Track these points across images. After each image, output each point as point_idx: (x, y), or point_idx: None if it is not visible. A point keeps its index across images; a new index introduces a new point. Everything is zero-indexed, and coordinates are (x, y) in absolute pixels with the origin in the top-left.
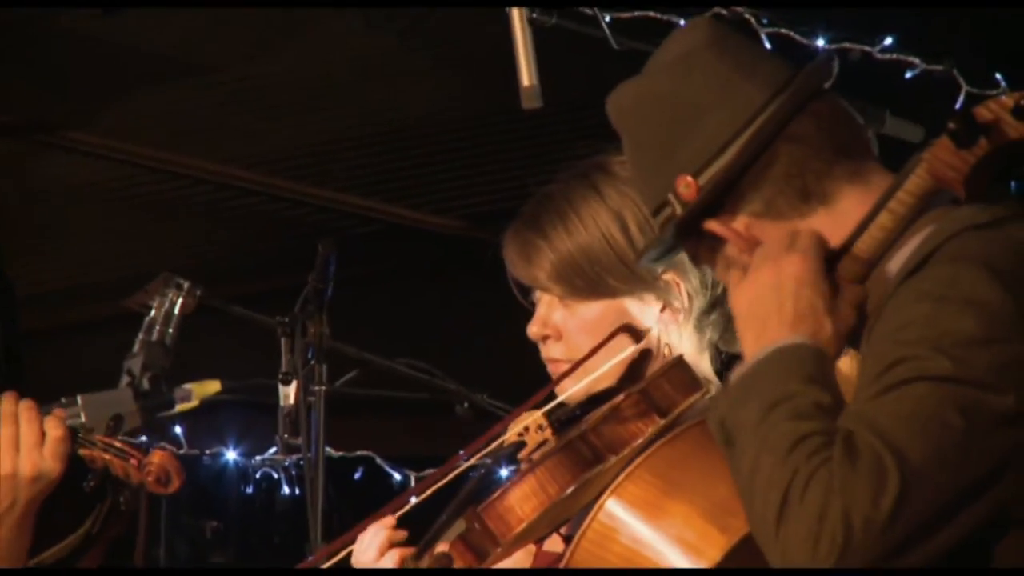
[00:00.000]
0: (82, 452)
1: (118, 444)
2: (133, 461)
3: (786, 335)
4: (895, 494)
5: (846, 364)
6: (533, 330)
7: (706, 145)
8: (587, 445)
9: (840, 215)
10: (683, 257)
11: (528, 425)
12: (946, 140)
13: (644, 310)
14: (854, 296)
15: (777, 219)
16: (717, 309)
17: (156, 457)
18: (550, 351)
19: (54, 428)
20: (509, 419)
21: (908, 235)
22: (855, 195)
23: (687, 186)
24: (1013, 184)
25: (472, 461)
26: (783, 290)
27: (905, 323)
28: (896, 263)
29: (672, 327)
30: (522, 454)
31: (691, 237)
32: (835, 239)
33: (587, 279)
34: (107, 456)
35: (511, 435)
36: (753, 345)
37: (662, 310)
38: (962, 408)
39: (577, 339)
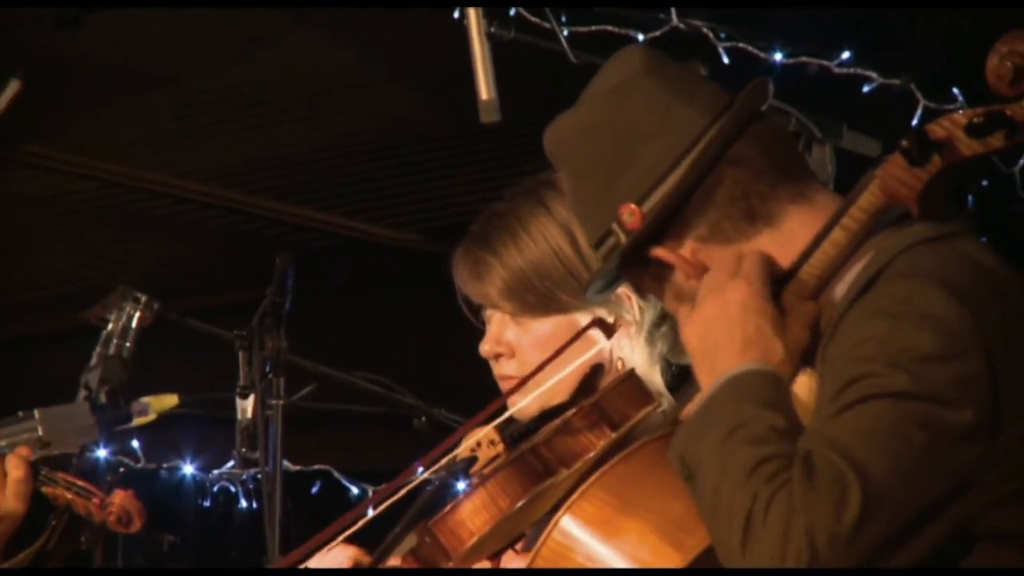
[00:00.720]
0: (45, 490)
1: (80, 483)
2: (95, 500)
3: (737, 363)
4: (858, 509)
5: (803, 384)
6: (485, 348)
7: (648, 172)
8: (538, 458)
9: (786, 235)
10: None
11: (480, 440)
12: (899, 157)
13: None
14: (806, 314)
15: (724, 242)
16: (667, 322)
17: (118, 497)
18: (503, 368)
19: (16, 468)
20: (461, 432)
21: (860, 253)
22: (801, 215)
23: (631, 214)
24: (971, 198)
25: (425, 475)
26: (730, 319)
27: (862, 340)
28: (848, 280)
29: (624, 340)
30: (474, 468)
31: (635, 266)
32: (783, 259)
33: (538, 295)
34: (69, 495)
35: (464, 450)
36: (707, 378)
37: (614, 324)
38: (922, 423)
39: (530, 356)
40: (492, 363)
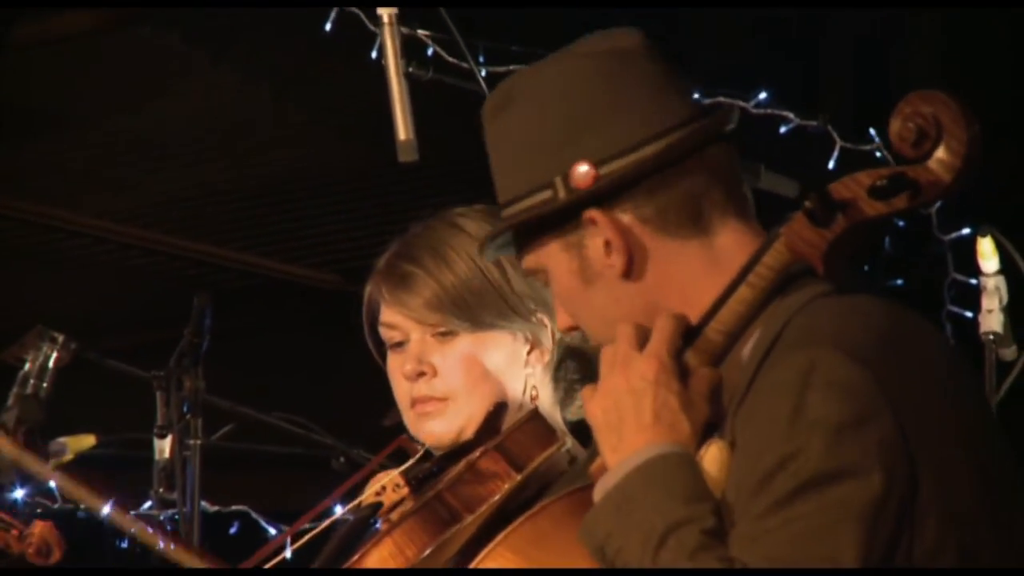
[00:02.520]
0: None
1: None
2: (14, 532)
3: (647, 441)
4: None
5: (712, 458)
6: (408, 368)
7: (619, 139)
8: (443, 505)
9: (716, 251)
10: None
11: (385, 484)
12: (803, 216)
13: (516, 349)
14: (705, 383)
15: (660, 232)
16: (567, 362)
17: (37, 528)
18: (423, 389)
19: None
20: (365, 472)
21: (766, 311)
22: (735, 236)
23: (585, 174)
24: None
25: (335, 517)
26: (636, 394)
27: (772, 419)
28: (755, 338)
29: (539, 367)
30: (381, 513)
31: (551, 230)
32: (703, 277)
33: (466, 311)
34: None
35: (368, 496)
36: (612, 455)
37: (530, 351)
38: (850, 509)
39: (453, 375)
40: (410, 384)
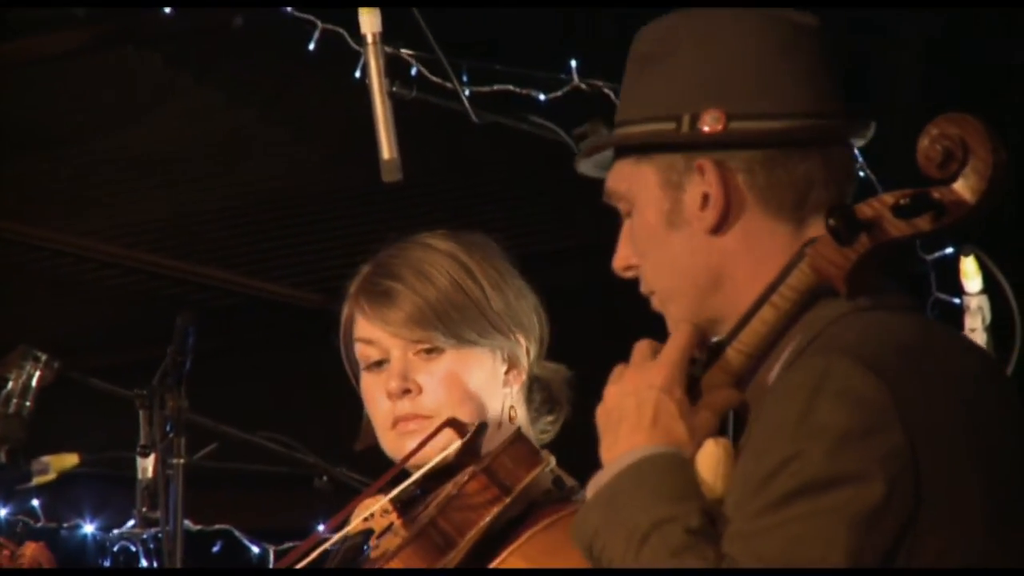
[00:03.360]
0: None
1: None
2: (6, 552)
3: (641, 442)
4: None
5: (708, 452)
6: (393, 385)
7: (762, 102)
8: (438, 531)
9: (803, 243)
10: (531, 319)
11: (373, 511)
12: (827, 236)
13: (496, 368)
14: (720, 401)
15: (761, 204)
16: (535, 385)
17: (29, 550)
18: (407, 407)
19: None
20: (353, 506)
21: (792, 331)
22: (821, 230)
23: (716, 120)
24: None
25: (324, 547)
26: (639, 398)
27: (780, 421)
28: (779, 365)
29: (516, 387)
30: (372, 541)
31: (657, 162)
32: (782, 261)
33: (449, 326)
34: None
35: (357, 523)
36: (606, 454)
37: (507, 371)
38: (844, 516)
39: (438, 393)
40: (394, 401)
